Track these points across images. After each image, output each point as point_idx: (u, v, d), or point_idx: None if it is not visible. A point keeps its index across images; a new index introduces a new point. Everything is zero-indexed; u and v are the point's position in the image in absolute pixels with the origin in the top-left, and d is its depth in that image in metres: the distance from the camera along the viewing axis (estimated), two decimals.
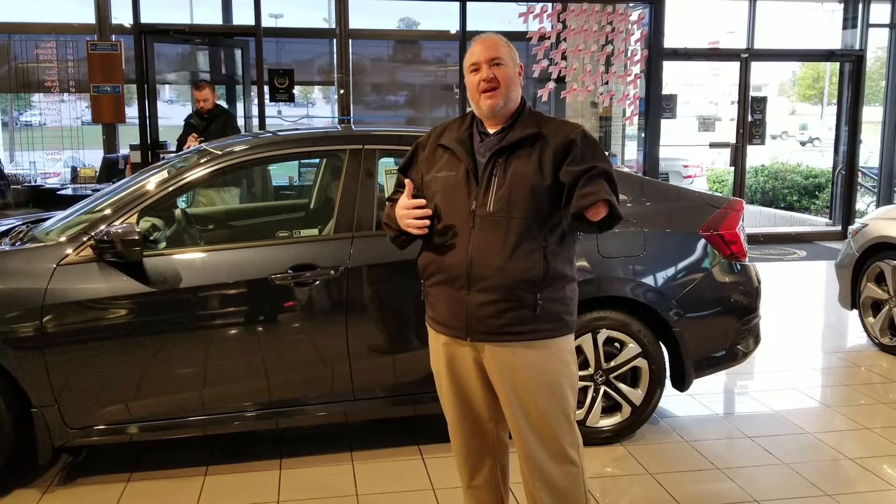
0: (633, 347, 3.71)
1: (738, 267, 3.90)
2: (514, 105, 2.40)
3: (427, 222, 2.36)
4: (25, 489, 3.38)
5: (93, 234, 3.27)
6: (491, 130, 2.41)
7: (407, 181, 2.41)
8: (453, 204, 2.36)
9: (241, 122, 8.62)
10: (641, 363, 3.74)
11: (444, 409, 2.58)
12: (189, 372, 3.35)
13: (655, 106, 9.11)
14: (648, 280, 3.72)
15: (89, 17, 8.20)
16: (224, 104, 7.76)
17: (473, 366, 2.44)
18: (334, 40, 8.94)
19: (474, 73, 2.38)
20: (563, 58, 8.80)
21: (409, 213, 2.36)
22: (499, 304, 2.32)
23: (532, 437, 2.42)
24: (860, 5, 9.92)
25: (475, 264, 2.31)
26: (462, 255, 2.33)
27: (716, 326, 3.88)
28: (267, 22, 8.65)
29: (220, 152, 3.65)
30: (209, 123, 6.71)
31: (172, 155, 6.50)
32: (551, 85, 8.85)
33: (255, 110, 8.53)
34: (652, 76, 9.04)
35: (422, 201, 2.36)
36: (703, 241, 3.83)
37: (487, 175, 2.34)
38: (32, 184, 8.51)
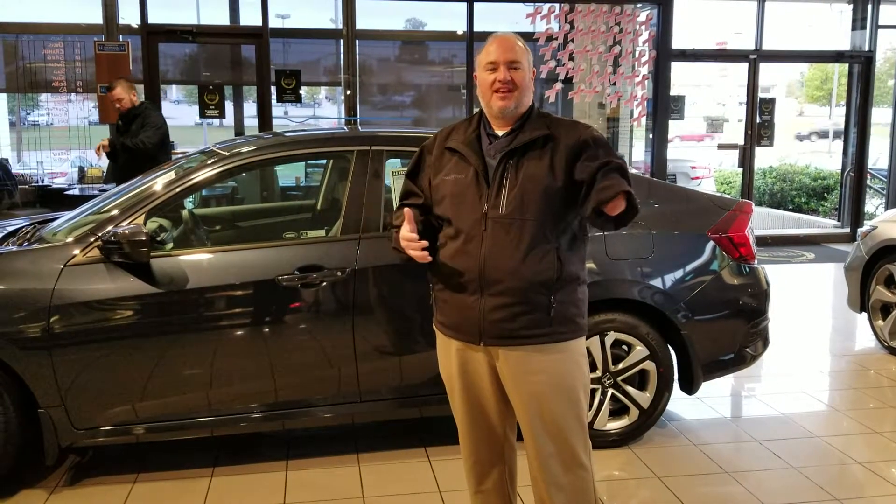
0: (640, 350, 3.70)
1: (747, 269, 3.88)
2: (525, 108, 2.38)
3: (427, 254, 2.34)
4: (32, 489, 3.38)
5: (100, 234, 3.27)
6: (499, 132, 2.39)
7: (406, 211, 2.35)
8: (464, 207, 2.34)
9: (253, 122, 8.61)
10: (649, 366, 3.72)
11: (455, 415, 2.57)
12: (196, 373, 3.35)
13: (663, 107, 9.09)
14: (657, 282, 3.71)
15: (97, 17, 8.22)
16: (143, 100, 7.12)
17: (487, 371, 2.43)
18: (341, 41, 8.94)
19: (490, 72, 2.34)
20: (571, 59, 8.78)
21: (408, 245, 2.34)
22: (512, 308, 2.30)
23: (545, 441, 2.40)
24: (869, 6, 9.88)
25: (488, 267, 2.29)
26: (474, 258, 2.31)
27: (724, 329, 3.86)
28: (274, 22, 8.66)
29: (227, 153, 3.64)
30: (129, 124, 6.42)
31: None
32: (559, 86, 8.84)
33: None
34: (660, 77, 9.02)
35: (414, 235, 2.32)
36: (711, 244, 3.81)
37: (499, 177, 2.31)
38: (40, 184, 8.54)
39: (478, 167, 2.34)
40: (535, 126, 2.35)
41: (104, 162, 8.49)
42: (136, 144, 6.17)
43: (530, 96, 2.40)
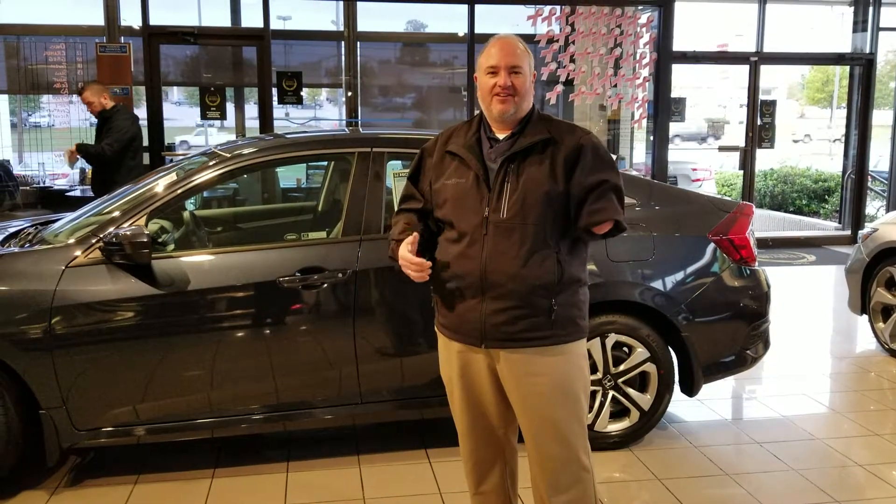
0: (641, 352, 3.70)
1: (748, 271, 3.88)
2: (525, 112, 2.38)
3: (426, 276, 2.32)
4: (33, 490, 3.39)
5: (102, 236, 3.28)
6: (500, 135, 2.39)
7: (412, 237, 2.33)
8: (465, 211, 2.34)
9: (254, 124, 8.62)
10: (650, 368, 3.72)
11: (455, 417, 2.57)
12: (197, 374, 3.35)
13: (664, 109, 9.09)
14: (657, 284, 3.71)
15: (98, 19, 8.23)
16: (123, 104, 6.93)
17: (487, 373, 2.43)
18: (342, 43, 8.95)
19: (490, 76, 2.34)
20: (572, 61, 8.79)
21: (407, 265, 2.32)
22: (513, 311, 2.30)
23: (546, 443, 2.40)
24: (870, 8, 9.89)
25: (489, 271, 2.29)
26: (476, 262, 2.31)
27: (725, 331, 3.86)
28: (275, 24, 8.67)
29: (228, 155, 3.65)
30: (101, 127, 6.37)
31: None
32: (559, 88, 8.85)
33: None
34: (661, 79, 9.03)
35: (419, 260, 2.29)
36: (712, 246, 3.81)
37: (500, 181, 2.31)
38: (41, 185, 8.55)
39: (478, 171, 2.34)
40: (536, 130, 2.35)
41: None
42: (97, 150, 6.09)
43: (530, 100, 2.40)
